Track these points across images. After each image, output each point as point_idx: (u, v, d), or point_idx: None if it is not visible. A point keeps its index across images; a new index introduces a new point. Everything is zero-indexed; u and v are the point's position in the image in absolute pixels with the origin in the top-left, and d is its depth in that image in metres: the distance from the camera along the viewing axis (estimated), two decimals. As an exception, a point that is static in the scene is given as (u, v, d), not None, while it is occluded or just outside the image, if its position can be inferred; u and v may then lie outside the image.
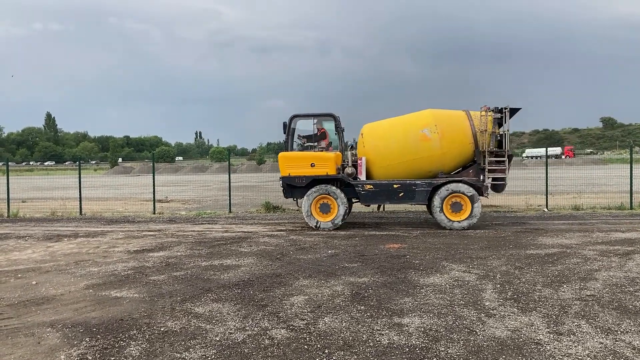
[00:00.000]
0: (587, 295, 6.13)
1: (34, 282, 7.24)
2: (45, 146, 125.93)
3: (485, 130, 11.54)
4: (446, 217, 11.57)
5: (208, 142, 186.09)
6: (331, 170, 11.95)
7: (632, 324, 5.14)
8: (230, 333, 5.05)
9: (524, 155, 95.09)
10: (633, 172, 15.33)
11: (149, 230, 12.47)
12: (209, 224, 13.57)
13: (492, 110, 11.69)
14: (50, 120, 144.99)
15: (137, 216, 15.77)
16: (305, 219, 12.06)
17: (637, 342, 4.66)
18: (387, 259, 8.38)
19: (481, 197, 11.68)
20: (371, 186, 11.88)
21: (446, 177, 11.82)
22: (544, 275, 7.11)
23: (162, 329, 5.19)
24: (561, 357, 4.38)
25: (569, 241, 9.81)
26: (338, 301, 6.05)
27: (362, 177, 12.04)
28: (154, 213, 16.30)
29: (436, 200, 11.59)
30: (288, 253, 9.10)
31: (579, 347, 4.58)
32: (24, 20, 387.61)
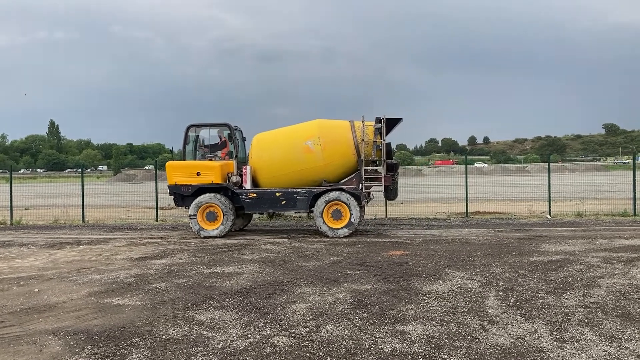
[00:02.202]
0: (591, 303, 6.10)
1: (36, 290, 7.25)
2: (49, 154, 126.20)
3: (363, 140, 11.76)
4: (326, 224, 11.80)
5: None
6: (217, 179, 12.06)
7: (636, 331, 5.11)
8: (232, 341, 5.04)
9: None
10: (636, 178, 15.28)
11: (152, 238, 12.48)
12: (211, 231, 13.57)
13: (374, 121, 11.88)
14: (53, 127, 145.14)
15: (140, 223, 15.79)
16: (192, 227, 12.19)
17: (642, 350, 4.63)
18: (389, 266, 8.36)
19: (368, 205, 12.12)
20: (254, 194, 12.05)
21: (328, 186, 12.00)
22: (547, 283, 7.08)
23: (164, 337, 5.19)
24: (565, 365, 4.36)
25: (572, 248, 9.77)
26: (340, 309, 6.03)
27: (248, 185, 12.17)
28: (157, 220, 16.32)
29: (317, 208, 11.79)
30: (290, 260, 9.10)
31: (583, 354, 4.55)
32: (29, 28, 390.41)
